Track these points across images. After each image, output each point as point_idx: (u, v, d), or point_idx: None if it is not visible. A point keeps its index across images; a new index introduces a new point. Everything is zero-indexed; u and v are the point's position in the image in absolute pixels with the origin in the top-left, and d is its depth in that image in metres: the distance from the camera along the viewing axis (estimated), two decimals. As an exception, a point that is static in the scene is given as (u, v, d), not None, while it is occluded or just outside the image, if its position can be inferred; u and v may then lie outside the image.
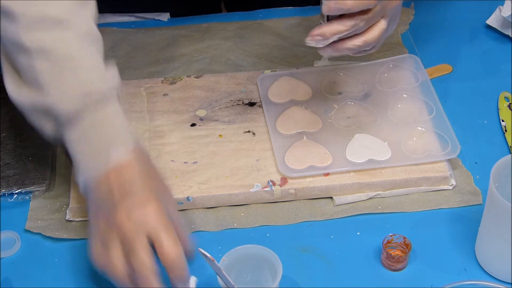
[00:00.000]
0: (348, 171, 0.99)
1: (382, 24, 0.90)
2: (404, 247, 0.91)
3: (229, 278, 0.81)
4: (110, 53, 1.21)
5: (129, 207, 0.82)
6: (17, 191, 0.99)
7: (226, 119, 1.07)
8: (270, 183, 0.98)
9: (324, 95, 1.09)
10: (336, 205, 0.98)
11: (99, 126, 0.86)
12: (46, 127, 0.88)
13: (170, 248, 0.80)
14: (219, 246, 0.93)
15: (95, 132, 0.85)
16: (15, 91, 0.88)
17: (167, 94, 1.11)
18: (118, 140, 0.86)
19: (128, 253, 0.80)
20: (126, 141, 0.86)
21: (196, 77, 1.14)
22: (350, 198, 0.98)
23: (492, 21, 1.23)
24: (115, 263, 0.81)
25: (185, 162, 1.01)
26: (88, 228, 0.86)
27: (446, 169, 0.99)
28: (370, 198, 0.99)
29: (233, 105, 1.09)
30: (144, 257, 0.80)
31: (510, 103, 1.11)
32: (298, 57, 1.19)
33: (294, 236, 0.95)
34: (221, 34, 1.24)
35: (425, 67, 1.13)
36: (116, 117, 0.87)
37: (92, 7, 0.90)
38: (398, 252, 0.91)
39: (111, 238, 0.82)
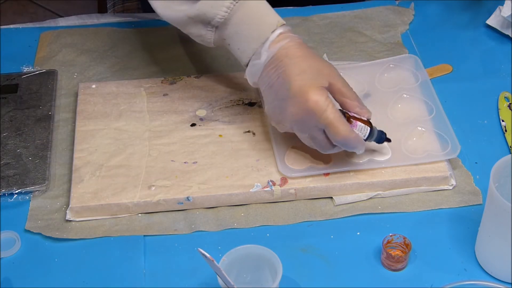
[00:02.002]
0: (348, 171, 0.99)
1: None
2: (404, 247, 0.91)
3: (228, 278, 0.81)
4: (110, 53, 1.21)
5: (292, 103, 0.93)
6: (17, 191, 0.99)
7: (226, 119, 1.07)
8: (270, 183, 0.98)
9: (324, 95, 1.09)
10: (336, 205, 0.98)
11: (251, 17, 0.95)
12: (201, 32, 0.98)
13: (338, 134, 0.92)
14: (219, 246, 0.93)
15: (248, 23, 0.95)
16: (164, 8, 1.00)
17: (167, 94, 1.11)
18: (271, 25, 0.94)
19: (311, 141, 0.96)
20: (278, 24, 0.95)
21: (196, 77, 1.14)
22: (350, 198, 0.98)
23: (492, 21, 1.23)
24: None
25: (185, 162, 1.01)
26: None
27: (446, 169, 0.99)
28: (370, 198, 0.99)
29: (233, 105, 1.09)
30: (326, 145, 0.95)
31: (510, 103, 1.11)
32: (298, 57, 1.19)
33: (294, 236, 0.95)
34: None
35: (425, 67, 1.13)
36: (261, 4, 0.96)
37: None
38: (398, 252, 0.91)
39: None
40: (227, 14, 0.95)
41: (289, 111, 0.94)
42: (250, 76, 0.98)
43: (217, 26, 0.97)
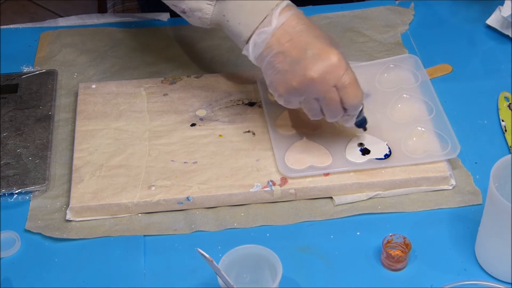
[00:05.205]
0: (348, 171, 0.99)
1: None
2: (404, 247, 0.91)
3: (228, 278, 0.81)
4: (110, 53, 1.21)
5: (312, 62, 0.91)
6: (17, 191, 0.99)
7: (226, 119, 1.07)
8: (270, 183, 0.98)
9: (324, 95, 1.09)
10: (336, 205, 0.98)
11: None
12: (201, 6, 0.96)
13: (356, 96, 0.93)
14: (219, 246, 0.93)
15: None
16: None
17: (167, 94, 1.11)
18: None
19: (322, 106, 0.95)
20: None
21: (196, 77, 1.14)
22: (350, 198, 0.98)
23: (492, 21, 1.23)
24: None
25: (185, 162, 1.01)
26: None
27: (446, 169, 0.99)
28: (370, 198, 0.99)
29: (233, 105, 1.09)
30: (338, 109, 0.94)
31: (510, 103, 1.11)
32: (298, 57, 1.19)
33: (294, 236, 0.95)
34: (221, 34, 1.23)
35: (425, 67, 1.13)
36: None
37: None
38: (398, 252, 0.91)
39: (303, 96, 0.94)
40: None
41: (307, 70, 0.91)
42: (254, 49, 0.95)
43: None
